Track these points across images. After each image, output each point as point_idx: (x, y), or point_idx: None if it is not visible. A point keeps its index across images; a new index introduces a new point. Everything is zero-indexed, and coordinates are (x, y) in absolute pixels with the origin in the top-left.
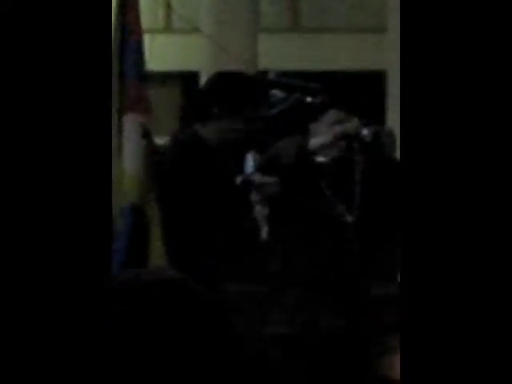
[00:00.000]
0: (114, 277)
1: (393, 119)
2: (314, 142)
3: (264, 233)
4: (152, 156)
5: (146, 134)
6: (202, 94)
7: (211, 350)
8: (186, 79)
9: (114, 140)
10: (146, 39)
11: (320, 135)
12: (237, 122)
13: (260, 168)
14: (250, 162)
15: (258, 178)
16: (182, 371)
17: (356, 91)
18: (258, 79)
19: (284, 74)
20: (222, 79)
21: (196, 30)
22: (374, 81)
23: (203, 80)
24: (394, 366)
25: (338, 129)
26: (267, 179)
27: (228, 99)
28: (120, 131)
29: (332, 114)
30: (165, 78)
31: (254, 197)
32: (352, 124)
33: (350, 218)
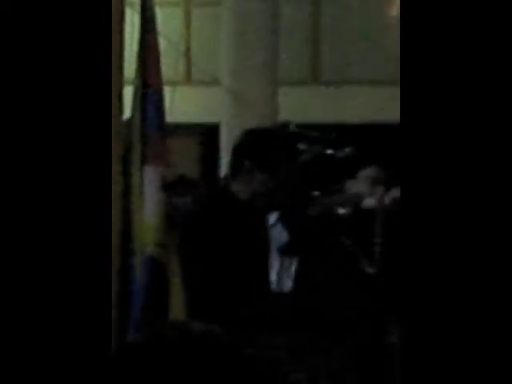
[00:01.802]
0: (159, 329)
1: None
2: (368, 202)
3: (287, 283)
4: (172, 208)
5: (165, 187)
6: (234, 149)
7: None
8: (206, 131)
9: (135, 192)
10: (167, 91)
11: (357, 191)
12: (270, 179)
13: (281, 220)
14: (273, 215)
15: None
16: None
17: (378, 143)
18: (284, 134)
19: (304, 126)
20: (254, 135)
21: (216, 81)
22: (394, 132)
23: (223, 132)
24: None
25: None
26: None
27: (260, 155)
28: (141, 184)
29: (368, 172)
30: (185, 129)
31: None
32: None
33: (371, 270)
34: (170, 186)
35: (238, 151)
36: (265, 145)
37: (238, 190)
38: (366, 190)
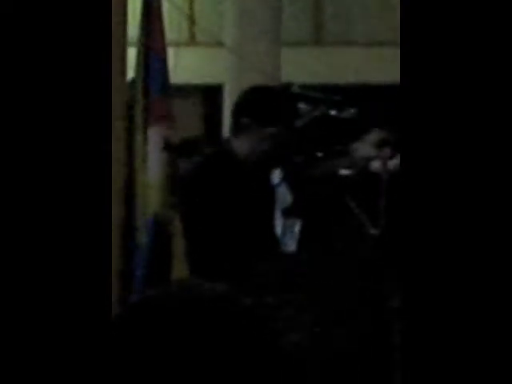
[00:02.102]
0: (164, 289)
1: None
2: (375, 165)
3: (290, 243)
4: (175, 168)
5: (168, 147)
6: (235, 107)
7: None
8: (210, 92)
9: (139, 154)
10: (170, 52)
11: (365, 153)
12: (268, 134)
13: (285, 181)
14: (275, 173)
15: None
16: None
17: (381, 104)
18: (285, 92)
19: (307, 87)
20: (258, 93)
21: (219, 43)
22: (397, 94)
23: (226, 93)
24: None
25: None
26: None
27: (260, 112)
28: (145, 144)
29: (375, 134)
30: (188, 90)
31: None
32: None
33: (374, 231)
34: (174, 147)
35: (238, 108)
36: (264, 102)
37: (238, 147)
38: (371, 152)
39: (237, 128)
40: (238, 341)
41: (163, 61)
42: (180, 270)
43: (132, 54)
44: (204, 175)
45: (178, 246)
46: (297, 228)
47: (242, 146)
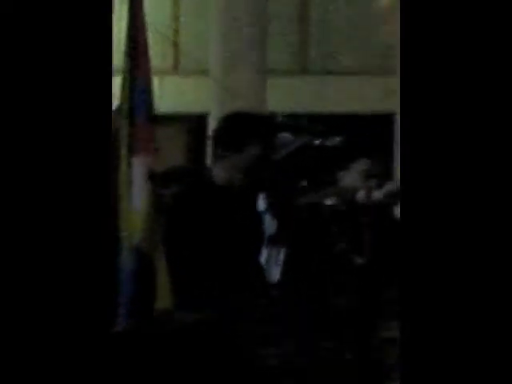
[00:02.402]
0: (150, 320)
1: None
2: (361, 195)
3: (275, 272)
4: (158, 197)
5: (152, 177)
6: (212, 134)
7: None
8: (195, 121)
9: (123, 182)
10: (155, 81)
11: (351, 183)
12: (243, 162)
13: (270, 209)
14: (260, 202)
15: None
16: None
17: (365, 134)
18: (265, 119)
19: (292, 116)
20: (231, 119)
21: (204, 72)
22: (382, 123)
23: (211, 121)
24: None
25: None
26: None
27: (235, 138)
28: (129, 172)
29: (361, 164)
30: (173, 119)
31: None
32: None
33: (359, 261)
34: (157, 177)
35: (216, 134)
36: (242, 126)
37: (216, 175)
38: (358, 182)
39: (215, 156)
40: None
41: (148, 87)
42: (164, 298)
43: (116, 82)
44: (185, 203)
45: (162, 274)
46: (281, 256)
47: (219, 173)
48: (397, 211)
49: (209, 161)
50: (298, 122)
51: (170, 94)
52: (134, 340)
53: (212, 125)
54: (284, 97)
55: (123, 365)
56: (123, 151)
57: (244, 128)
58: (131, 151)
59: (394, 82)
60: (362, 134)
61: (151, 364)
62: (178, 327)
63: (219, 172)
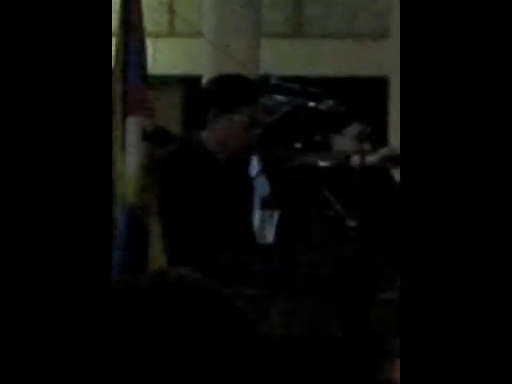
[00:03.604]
0: (135, 277)
1: (395, 124)
2: (370, 159)
3: (268, 234)
4: (153, 159)
5: (146, 137)
6: (201, 96)
7: (235, 350)
8: (189, 83)
9: (117, 142)
10: (149, 43)
11: (344, 147)
12: (235, 124)
13: (263, 171)
14: (254, 164)
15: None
16: (205, 371)
17: (360, 97)
18: (258, 82)
19: (286, 79)
20: (221, 81)
21: (199, 34)
22: (377, 86)
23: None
24: (394, 369)
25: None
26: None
27: (226, 100)
28: (123, 134)
29: (355, 128)
30: (167, 81)
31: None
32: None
33: (351, 223)
34: (151, 137)
35: (204, 98)
36: (229, 89)
37: (206, 138)
38: (351, 146)
39: (205, 118)
40: (213, 330)
41: (142, 51)
42: (156, 258)
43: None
44: (177, 164)
45: (155, 234)
46: (275, 218)
47: (209, 136)
48: (391, 176)
49: (201, 122)
50: (292, 84)
51: (164, 56)
52: (128, 294)
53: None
54: (278, 59)
55: (118, 318)
56: (117, 112)
57: (236, 90)
58: (125, 112)
59: (390, 45)
60: (356, 97)
61: (146, 318)
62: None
63: (211, 134)
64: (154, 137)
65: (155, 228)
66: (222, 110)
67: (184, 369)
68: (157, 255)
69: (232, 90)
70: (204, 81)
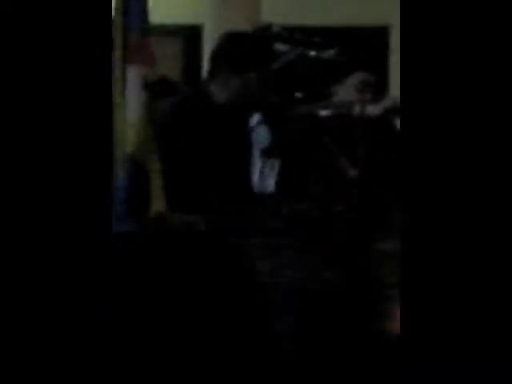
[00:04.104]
0: (139, 225)
1: (396, 74)
2: (372, 109)
3: (270, 185)
4: (154, 107)
5: (147, 86)
6: (211, 53)
7: (242, 296)
8: (189, 32)
9: (118, 91)
10: None
11: (346, 96)
12: (244, 82)
13: (264, 120)
14: (255, 114)
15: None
16: (211, 320)
17: (361, 47)
18: (262, 33)
19: (287, 28)
20: (237, 39)
21: None
22: (378, 36)
23: (206, 33)
24: (394, 317)
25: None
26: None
27: (240, 60)
28: (123, 82)
29: (356, 77)
30: (168, 31)
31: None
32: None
33: (352, 173)
34: (152, 86)
35: (216, 55)
36: (242, 48)
37: (215, 91)
38: (353, 96)
39: (214, 73)
40: (221, 277)
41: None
42: (157, 205)
43: None
44: (180, 114)
45: (155, 182)
46: (276, 168)
47: (218, 91)
48: (393, 126)
49: (205, 73)
50: (293, 34)
51: (164, 6)
52: (132, 241)
53: (207, 35)
54: (279, 8)
55: (123, 266)
56: (117, 61)
57: (251, 51)
58: (126, 61)
59: None
60: (357, 46)
61: (151, 264)
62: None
63: (218, 89)
64: (155, 86)
65: (156, 175)
66: (235, 68)
67: (189, 321)
68: (157, 202)
69: (247, 50)
70: (206, 31)
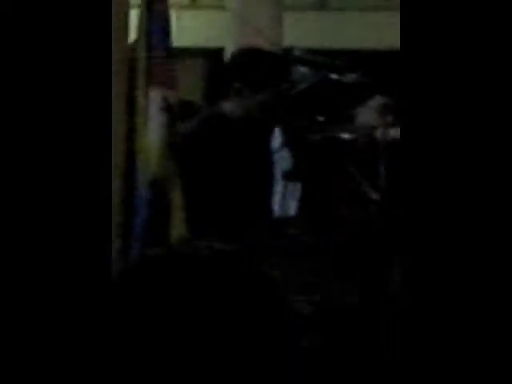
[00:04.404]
0: (162, 249)
1: None
2: (394, 133)
3: (291, 207)
4: (175, 131)
5: (169, 108)
6: (224, 69)
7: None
8: (211, 55)
9: (140, 114)
10: (172, 15)
11: (367, 120)
12: (259, 97)
13: (286, 144)
14: (277, 137)
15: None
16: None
17: (383, 70)
18: (281, 55)
19: (309, 51)
20: (244, 54)
21: (221, 6)
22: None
23: (227, 56)
24: None
25: None
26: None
27: (249, 74)
28: (147, 106)
29: (377, 101)
30: (190, 54)
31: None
32: None
33: (374, 196)
34: (174, 109)
35: (228, 71)
36: (253, 64)
37: (230, 110)
38: (374, 119)
39: (228, 92)
40: (246, 300)
41: (166, 20)
42: (178, 229)
43: (134, 16)
44: (199, 136)
45: (177, 206)
46: (297, 192)
47: (233, 109)
48: None
49: (223, 95)
50: (315, 57)
51: (187, 29)
52: (153, 266)
53: (228, 58)
54: (302, 32)
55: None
56: (140, 84)
57: (262, 65)
58: (148, 84)
59: None
60: (379, 70)
61: (169, 289)
62: (198, 254)
63: (233, 107)
64: (177, 109)
65: (177, 200)
66: (246, 85)
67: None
68: (178, 226)
69: (257, 66)
70: (227, 53)
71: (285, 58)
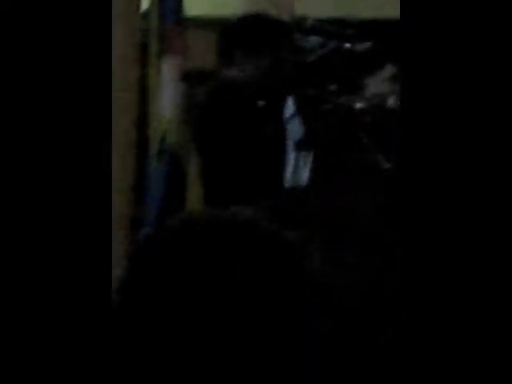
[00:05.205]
0: (189, 214)
1: None
2: (391, 102)
3: (303, 178)
4: (190, 99)
5: (186, 77)
6: (225, 35)
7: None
8: (225, 23)
9: (153, 81)
10: None
11: (378, 89)
12: (258, 64)
13: (298, 113)
14: (290, 106)
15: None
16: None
17: (395, 40)
18: (285, 22)
19: (322, 20)
20: (244, 20)
21: None
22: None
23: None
24: None
25: None
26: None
27: (249, 40)
28: (159, 73)
29: (388, 70)
30: (202, 22)
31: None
32: None
33: (387, 165)
34: (189, 77)
35: (228, 36)
36: (254, 29)
37: (234, 77)
38: (385, 88)
39: (229, 57)
40: (265, 266)
41: None
42: (194, 202)
43: None
44: (213, 103)
45: (193, 174)
46: (310, 161)
47: (236, 76)
48: None
49: (229, 61)
50: (327, 26)
51: None
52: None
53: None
54: (315, 1)
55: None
56: (153, 52)
57: (261, 31)
58: (161, 53)
59: None
60: (391, 39)
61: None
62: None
63: (240, 74)
64: (190, 76)
65: (193, 168)
66: (247, 51)
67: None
68: (195, 195)
69: (257, 31)
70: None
71: (288, 25)
